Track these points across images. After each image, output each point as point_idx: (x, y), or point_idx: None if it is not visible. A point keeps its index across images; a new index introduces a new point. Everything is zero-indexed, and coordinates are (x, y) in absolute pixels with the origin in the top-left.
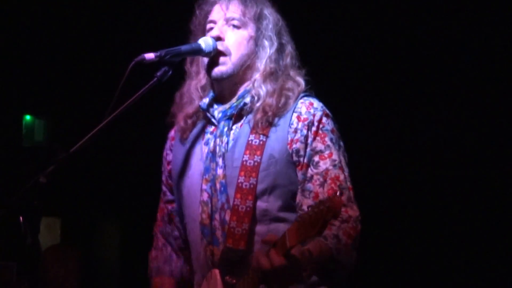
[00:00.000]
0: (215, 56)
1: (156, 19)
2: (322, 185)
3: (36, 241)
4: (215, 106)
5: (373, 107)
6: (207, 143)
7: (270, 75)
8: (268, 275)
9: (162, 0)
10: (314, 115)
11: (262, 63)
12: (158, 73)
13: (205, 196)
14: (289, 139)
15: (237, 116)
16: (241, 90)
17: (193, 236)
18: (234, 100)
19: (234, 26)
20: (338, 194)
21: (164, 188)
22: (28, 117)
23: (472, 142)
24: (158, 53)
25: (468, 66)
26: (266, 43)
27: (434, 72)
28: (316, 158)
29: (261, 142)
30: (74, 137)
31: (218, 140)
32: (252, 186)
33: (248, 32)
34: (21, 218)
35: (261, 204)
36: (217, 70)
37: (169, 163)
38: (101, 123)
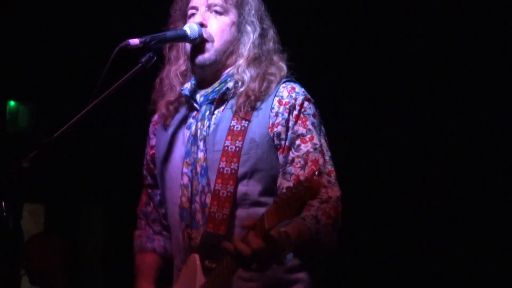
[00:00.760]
0: (198, 43)
1: (140, 4)
2: (303, 167)
3: (18, 226)
4: (197, 90)
5: (356, 93)
6: (189, 127)
7: (254, 60)
8: (247, 258)
9: None
10: (295, 99)
11: (246, 49)
12: (143, 59)
13: (185, 180)
14: (270, 123)
15: (219, 101)
16: (224, 75)
17: (172, 220)
18: (216, 84)
19: (216, 12)
20: (316, 174)
21: (144, 172)
22: (12, 102)
23: (466, 137)
24: (143, 39)
25: (460, 62)
26: (249, 28)
27: (418, 61)
28: (298, 142)
29: (242, 128)
30: (59, 123)
31: (199, 123)
32: (233, 171)
33: (230, 18)
34: (3, 203)
35: (241, 188)
36: (201, 58)
37: (152, 147)
38: (85, 108)
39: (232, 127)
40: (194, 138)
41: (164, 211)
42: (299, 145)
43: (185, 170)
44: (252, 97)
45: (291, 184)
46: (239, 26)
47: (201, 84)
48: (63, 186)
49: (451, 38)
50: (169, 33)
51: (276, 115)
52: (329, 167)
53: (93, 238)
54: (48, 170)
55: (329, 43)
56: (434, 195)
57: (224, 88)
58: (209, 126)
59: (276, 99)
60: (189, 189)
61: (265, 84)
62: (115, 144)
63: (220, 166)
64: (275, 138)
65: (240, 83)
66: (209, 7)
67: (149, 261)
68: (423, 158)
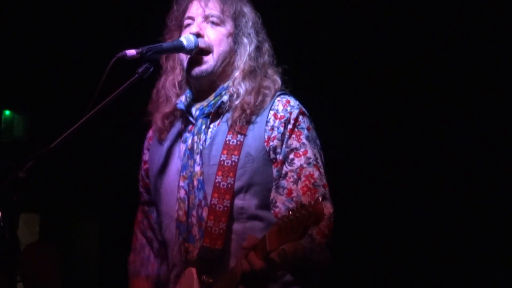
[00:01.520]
0: (195, 54)
1: (137, 15)
2: (296, 182)
3: (14, 236)
4: (192, 103)
5: (350, 105)
6: (185, 141)
7: (249, 73)
8: (247, 277)
9: None
10: (290, 113)
11: (242, 61)
12: (140, 70)
13: (182, 193)
14: (266, 136)
15: (214, 114)
16: (219, 87)
17: (168, 234)
18: (211, 97)
19: (213, 23)
20: (320, 199)
21: (141, 188)
22: (7, 112)
23: (466, 138)
24: (139, 50)
25: (460, 62)
26: (246, 40)
27: (410, 64)
28: (291, 156)
29: (238, 142)
30: (54, 133)
31: (196, 137)
32: (229, 185)
33: (227, 29)
34: (0, 213)
35: (238, 202)
36: (197, 69)
37: (145, 162)
38: (82, 118)
39: (227, 142)
40: (191, 152)
41: (159, 226)
42: (292, 159)
43: (181, 183)
44: (248, 111)
45: (283, 197)
46: (235, 37)
47: (196, 96)
48: (58, 195)
49: (451, 39)
50: (165, 44)
51: (272, 129)
52: (324, 180)
53: (88, 246)
54: (42, 179)
55: (322, 52)
56: (432, 200)
57: (219, 102)
58: (205, 140)
59: (272, 112)
60: (186, 203)
61: (260, 98)
62: (109, 153)
63: (217, 180)
64: (271, 152)
65: (235, 96)
66: (206, 17)
67: (142, 286)
68: (422, 163)
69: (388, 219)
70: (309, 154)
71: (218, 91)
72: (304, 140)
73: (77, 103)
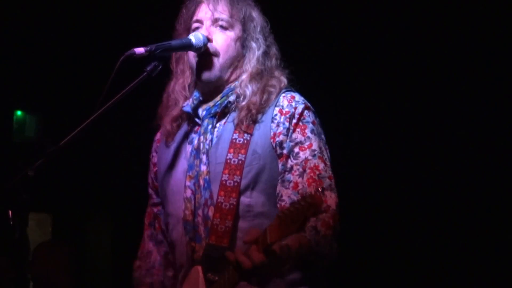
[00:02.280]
0: (203, 58)
1: (146, 14)
2: (301, 175)
3: (24, 235)
4: (199, 105)
5: (357, 103)
6: (191, 142)
7: (256, 76)
8: (249, 272)
9: None
10: (295, 108)
11: (250, 65)
12: (148, 68)
13: (188, 193)
14: (272, 133)
15: (221, 114)
16: (226, 88)
17: (175, 234)
18: (218, 98)
19: (222, 27)
20: (320, 190)
21: (150, 190)
22: (19, 112)
23: (466, 139)
24: (148, 48)
25: (460, 63)
26: (254, 45)
27: (413, 65)
28: (296, 149)
29: (245, 141)
30: (65, 133)
31: (202, 137)
32: (236, 184)
33: (235, 33)
34: (9, 212)
35: (244, 200)
36: (207, 74)
37: (154, 164)
38: (91, 117)
39: (234, 140)
40: (197, 151)
41: (166, 227)
42: (297, 153)
43: (188, 183)
44: (254, 111)
45: (289, 191)
46: (243, 41)
47: (203, 98)
48: (70, 195)
49: (451, 40)
50: (174, 42)
51: (278, 125)
52: (330, 172)
53: (101, 246)
54: (54, 179)
55: (328, 51)
56: (433, 201)
57: (225, 102)
58: (211, 140)
59: (277, 109)
60: (192, 202)
61: (265, 96)
62: (122, 152)
63: (223, 178)
64: (277, 148)
65: (242, 97)
66: (215, 21)
67: None
68: (423, 163)
69: (396, 215)
70: (314, 146)
71: (224, 91)
72: (309, 134)
73: (88, 104)
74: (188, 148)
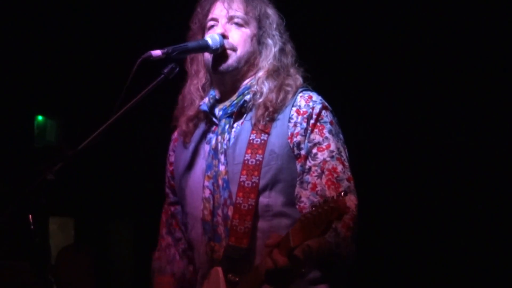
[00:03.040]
0: (220, 53)
1: (162, 16)
2: (320, 176)
3: (45, 240)
4: (216, 104)
5: (373, 101)
6: (209, 142)
7: (273, 73)
8: (272, 274)
9: None
10: (313, 108)
11: (267, 62)
12: (165, 70)
13: (207, 193)
14: (289, 133)
15: (237, 114)
16: (242, 87)
17: (194, 234)
18: (234, 97)
19: (237, 24)
20: (342, 194)
21: (167, 189)
22: (40, 117)
23: (467, 140)
24: (165, 50)
25: (461, 63)
26: (270, 41)
27: (430, 67)
28: (314, 150)
29: (262, 141)
30: (86, 137)
31: (219, 137)
32: (254, 184)
33: (251, 30)
34: (30, 216)
35: (263, 200)
36: (224, 64)
37: (171, 164)
38: (109, 120)
39: (251, 141)
40: (215, 151)
41: (184, 227)
42: (315, 154)
43: (206, 183)
44: (271, 109)
45: (308, 192)
46: (259, 38)
47: (219, 97)
48: (93, 199)
49: (453, 42)
50: (190, 44)
51: (295, 125)
52: (349, 173)
53: (123, 249)
54: (77, 183)
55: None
56: (437, 202)
57: (242, 101)
58: (229, 140)
59: (294, 109)
60: (211, 202)
61: (282, 95)
62: (144, 157)
63: (241, 179)
64: (294, 148)
65: (258, 95)
66: (230, 19)
67: (167, 283)
68: (428, 165)
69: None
70: (332, 147)
71: (241, 90)
72: (327, 134)
73: (109, 108)
74: (206, 148)
